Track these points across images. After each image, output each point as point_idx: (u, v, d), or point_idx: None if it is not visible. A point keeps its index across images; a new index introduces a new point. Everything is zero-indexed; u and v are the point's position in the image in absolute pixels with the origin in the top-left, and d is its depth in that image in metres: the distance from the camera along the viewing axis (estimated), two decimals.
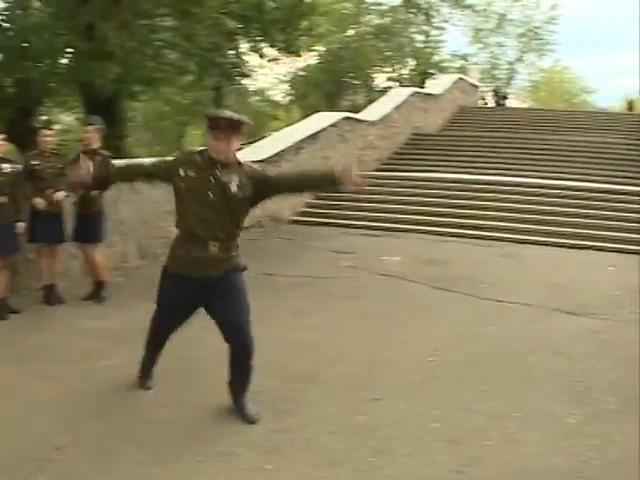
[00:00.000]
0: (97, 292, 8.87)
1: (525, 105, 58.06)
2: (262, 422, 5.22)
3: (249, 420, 5.21)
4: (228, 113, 5.06)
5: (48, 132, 8.78)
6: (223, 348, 5.68)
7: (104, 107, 18.36)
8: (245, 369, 5.29)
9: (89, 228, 8.78)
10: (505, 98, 42.00)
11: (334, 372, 6.28)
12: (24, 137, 16.96)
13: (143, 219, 10.76)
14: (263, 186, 5.10)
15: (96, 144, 8.72)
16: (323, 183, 5.72)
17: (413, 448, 4.86)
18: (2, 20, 16.94)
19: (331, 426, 5.15)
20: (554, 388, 6.06)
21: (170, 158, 5.45)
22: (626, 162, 19.00)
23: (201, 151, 5.14)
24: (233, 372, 5.35)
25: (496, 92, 41.91)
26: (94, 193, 8.32)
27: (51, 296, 8.63)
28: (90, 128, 8.85)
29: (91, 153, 8.13)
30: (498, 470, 4.62)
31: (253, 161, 12.63)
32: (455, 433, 5.14)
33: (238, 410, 5.31)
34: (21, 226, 8.12)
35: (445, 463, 4.69)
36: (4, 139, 8.28)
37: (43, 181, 8.45)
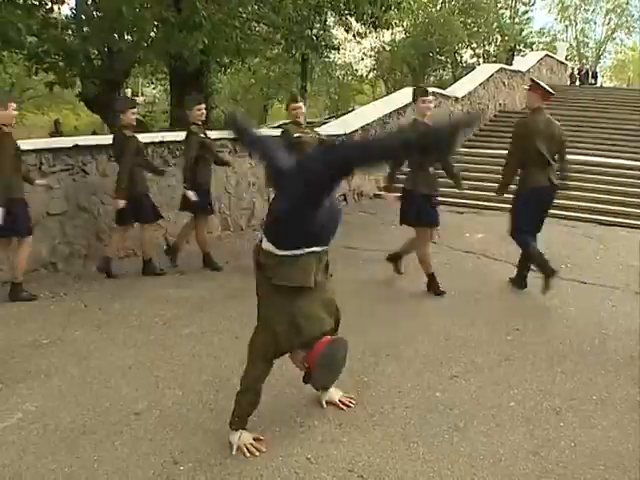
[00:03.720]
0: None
1: (612, 84, 56.88)
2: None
3: None
4: None
5: (202, 106, 8.92)
6: None
7: (191, 79, 18.54)
8: None
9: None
10: (595, 77, 41.19)
11: (413, 348, 6.25)
12: (110, 109, 17.25)
13: (226, 189, 10.84)
14: None
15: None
16: None
17: (489, 427, 4.82)
18: None
19: (408, 401, 5.14)
20: (634, 373, 5.93)
21: None
22: None
23: None
24: None
25: (580, 70, 41.12)
26: None
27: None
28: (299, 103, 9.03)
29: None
30: (572, 452, 4.55)
31: (338, 135, 12.74)
32: (531, 413, 5.08)
33: None
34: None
35: (520, 443, 4.64)
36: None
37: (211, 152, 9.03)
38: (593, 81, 40.93)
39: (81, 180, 8.49)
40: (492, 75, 22.36)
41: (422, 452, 4.46)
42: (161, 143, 9.64)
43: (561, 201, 13.44)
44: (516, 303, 7.73)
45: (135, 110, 8.63)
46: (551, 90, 7.94)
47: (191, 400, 5.15)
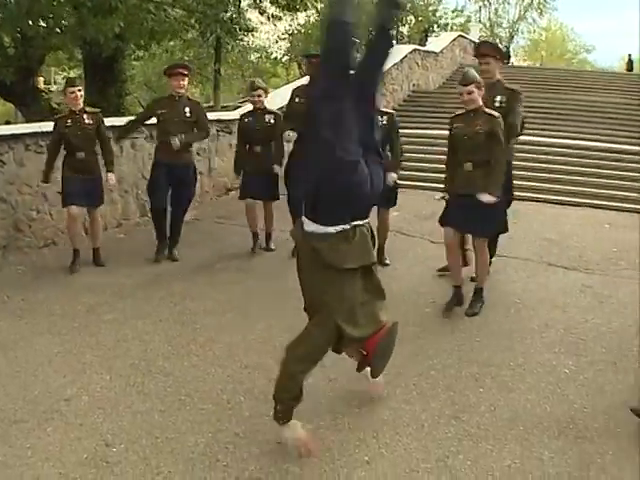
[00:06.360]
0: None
1: (526, 64, 57.78)
2: (265, 371, 5.37)
3: None
4: None
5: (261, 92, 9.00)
6: (219, 303, 5.87)
7: (105, 66, 18.35)
8: None
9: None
10: (508, 56, 41.82)
11: None
12: (25, 97, 16.91)
13: (143, 175, 10.81)
14: None
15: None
16: None
17: (411, 395, 5.04)
18: None
19: (331, 374, 5.28)
20: (549, 339, 6.23)
21: None
22: (626, 122, 18.95)
23: None
24: None
25: None
26: None
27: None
28: None
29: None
30: (492, 416, 4.81)
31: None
32: (451, 381, 5.33)
33: None
34: None
35: (441, 409, 4.87)
36: None
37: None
38: (505, 61, 41.55)
39: None
40: (406, 56, 22.53)
41: (347, 422, 4.64)
42: None
43: None
44: (432, 278, 7.93)
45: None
46: None
47: (119, 384, 5.22)
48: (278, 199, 9.09)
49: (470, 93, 6.48)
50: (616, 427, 4.70)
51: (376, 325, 4.32)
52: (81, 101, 8.17)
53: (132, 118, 9.21)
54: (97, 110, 8.49)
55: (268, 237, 9.31)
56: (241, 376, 5.35)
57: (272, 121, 8.87)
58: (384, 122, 7.78)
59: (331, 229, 4.11)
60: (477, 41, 34.83)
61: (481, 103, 6.58)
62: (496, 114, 6.56)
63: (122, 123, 9.20)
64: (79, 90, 8.18)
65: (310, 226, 4.18)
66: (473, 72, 6.62)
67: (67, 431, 4.53)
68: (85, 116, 8.16)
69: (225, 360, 5.64)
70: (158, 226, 8.71)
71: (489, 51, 7.56)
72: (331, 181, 4.07)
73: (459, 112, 6.83)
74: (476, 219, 6.60)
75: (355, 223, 4.18)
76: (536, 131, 17.53)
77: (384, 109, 8.15)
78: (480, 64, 7.54)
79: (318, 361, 4.29)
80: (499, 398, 5.07)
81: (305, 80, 8.86)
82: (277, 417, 4.26)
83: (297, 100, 8.69)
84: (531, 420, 4.77)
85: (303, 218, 4.26)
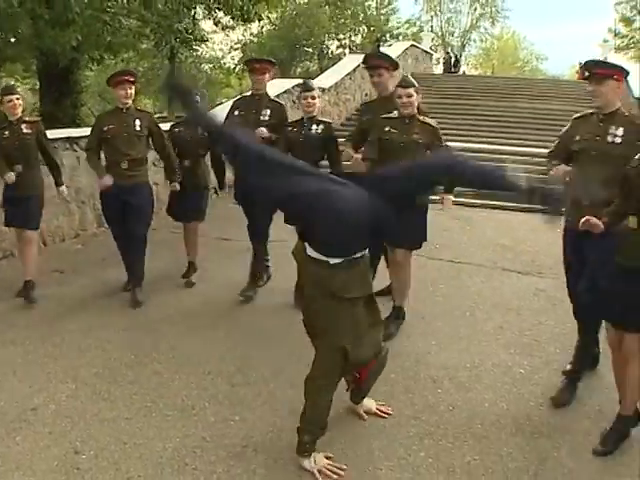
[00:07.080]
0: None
1: (478, 72, 58.52)
2: (228, 377, 5.48)
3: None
4: None
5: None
6: (179, 311, 6.21)
7: (60, 76, 18.30)
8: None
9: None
10: (456, 65, 42.22)
11: (295, 329, 6.45)
12: None
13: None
14: None
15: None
16: None
17: (370, 397, 5.08)
18: None
19: (292, 379, 5.31)
20: (503, 341, 6.43)
21: None
22: None
23: None
24: None
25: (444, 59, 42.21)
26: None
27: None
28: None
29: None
30: (451, 415, 4.98)
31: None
32: (410, 382, 5.50)
33: None
34: None
35: (401, 410, 5.03)
36: None
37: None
38: (454, 69, 41.88)
39: None
40: (358, 65, 22.71)
41: None
42: None
43: None
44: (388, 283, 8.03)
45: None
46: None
47: (85, 392, 5.29)
48: (203, 220, 8.61)
49: (410, 96, 6.31)
50: (571, 423, 4.90)
51: (377, 352, 4.44)
52: (19, 110, 7.60)
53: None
54: (37, 119, 8.07)
55: (190, 266, 8.41)
56: (204, 382, 5.45)
57: (205, 133, 7.79)
58: (319, 132, 7.39)
59: (336, 260, 4.04)
60: (429, 50, 35.35)
61: (416, 111, 6.45)
62: (433, 123, 6.46)
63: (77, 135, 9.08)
64: (17, 98, 7.60)
65: (316, 254, 4.10)
66: (411, 78, 6.49)
67: (36, 440, 4.60)
68: (23, 126, 7.58)
69: (188, 367, 5.73)
70: (127, 261, 7.87)
71: (380, 62, 7.25)
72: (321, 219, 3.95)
73: (391, 115, 6.55)
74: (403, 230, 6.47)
75: (355, 256, 4.10)
76: (490, 139, 17.84)
77: (320, 118, 7.68)
78: (371, 76, 7.32)
79: (336, 384, 4.31)
80: (457, 398, 5.24)
81: (249, 92, 8.52)
82: (303, 449, 4.27)
83: (237, 113, 7.95)
84: (489, 418, 4.94)
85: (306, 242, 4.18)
